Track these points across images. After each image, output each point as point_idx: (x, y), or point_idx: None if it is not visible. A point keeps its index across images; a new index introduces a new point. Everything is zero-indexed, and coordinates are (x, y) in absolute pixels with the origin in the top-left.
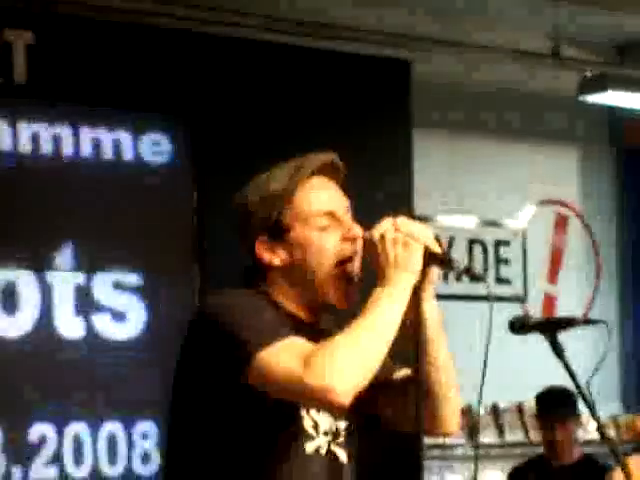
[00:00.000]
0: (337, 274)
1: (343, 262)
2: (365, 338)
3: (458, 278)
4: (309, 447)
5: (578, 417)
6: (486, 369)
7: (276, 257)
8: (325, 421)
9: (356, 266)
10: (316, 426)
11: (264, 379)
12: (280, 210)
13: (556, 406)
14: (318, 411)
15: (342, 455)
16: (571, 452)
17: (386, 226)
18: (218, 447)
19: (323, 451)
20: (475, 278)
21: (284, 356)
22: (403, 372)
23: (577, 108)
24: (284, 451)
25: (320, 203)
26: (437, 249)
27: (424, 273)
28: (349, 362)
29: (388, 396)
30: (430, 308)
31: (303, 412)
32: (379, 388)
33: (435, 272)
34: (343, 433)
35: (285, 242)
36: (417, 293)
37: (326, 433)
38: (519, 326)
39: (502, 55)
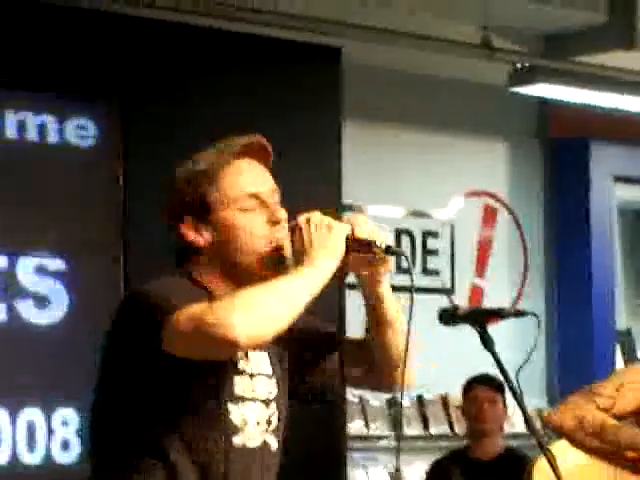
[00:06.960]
0: (269, 258)
1: (277, 249)
2: (268, 297)
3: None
4: (237, 440)
5: (505, 402)
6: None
7: (200, 237)
8: (256, 411)
9: (288, 251)
10: (245, 419)
11: (173, 335)
12: (204, 190)
13: (486, 383)
14: (241, 402)
15: (273, 442)
16: (496, 440)
17: (313, 214)
18: (141, 425)
19: (255, 443)
20: (396, 254)
21: (190, 309)
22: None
23: (506, 99)
24: (207, 442)
25: (244, 184)
26: (365, 234)
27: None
28: (253, 307)
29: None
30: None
31: (231, 406)
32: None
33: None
34: (276, 421)
35: (209, 223)
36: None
37: (259, 423)
38: (448, 317)
39: (432, 44)
